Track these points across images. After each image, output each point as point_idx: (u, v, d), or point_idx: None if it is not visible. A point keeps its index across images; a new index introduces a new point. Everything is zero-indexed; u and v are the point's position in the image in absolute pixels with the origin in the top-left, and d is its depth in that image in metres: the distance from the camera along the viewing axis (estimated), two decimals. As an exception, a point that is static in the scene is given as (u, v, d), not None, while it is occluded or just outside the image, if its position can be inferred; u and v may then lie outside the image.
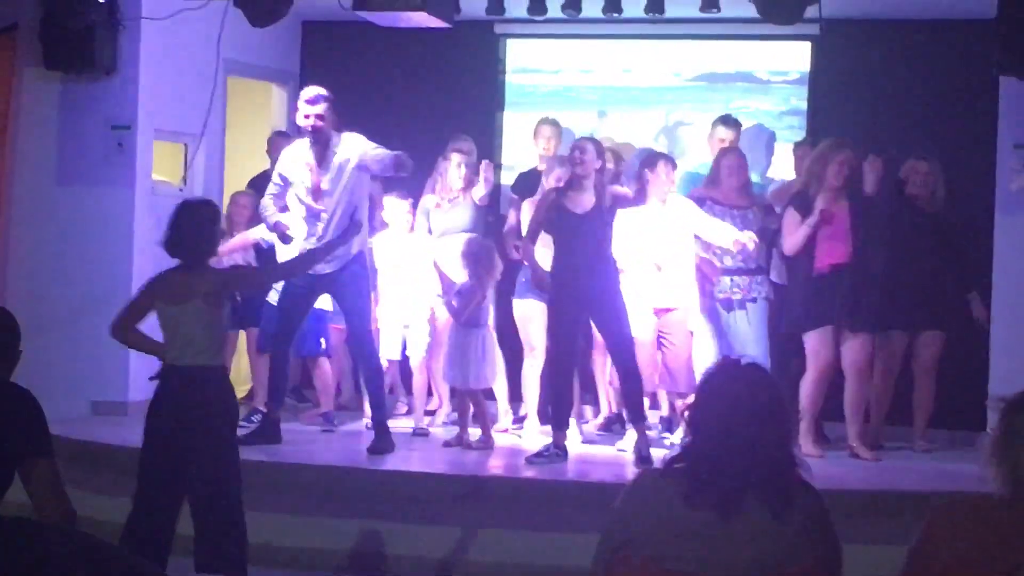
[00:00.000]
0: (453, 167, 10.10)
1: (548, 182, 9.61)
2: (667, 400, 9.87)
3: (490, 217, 10.53)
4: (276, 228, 9.24)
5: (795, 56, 11.38)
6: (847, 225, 9.20)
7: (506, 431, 10.09)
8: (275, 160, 9.98)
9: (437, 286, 10.00)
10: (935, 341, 9.63)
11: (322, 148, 9.16)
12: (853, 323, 9.21)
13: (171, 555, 6.56)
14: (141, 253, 10.38)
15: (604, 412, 10.33)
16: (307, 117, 9.10)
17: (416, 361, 10.14)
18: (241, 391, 9.75)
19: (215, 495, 6.60)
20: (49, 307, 10.30)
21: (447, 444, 9.49)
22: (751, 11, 9.55)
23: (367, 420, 9.79)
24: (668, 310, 9.47)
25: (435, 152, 10.27)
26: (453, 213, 10.14)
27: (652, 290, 9.39)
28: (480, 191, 10.07)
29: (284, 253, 9.70)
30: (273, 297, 9.79)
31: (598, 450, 9.55)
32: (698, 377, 4.08)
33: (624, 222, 9.09)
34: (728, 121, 10.27)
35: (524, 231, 9.44)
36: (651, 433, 9.14)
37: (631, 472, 8.29)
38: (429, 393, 10.42)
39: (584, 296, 8.84)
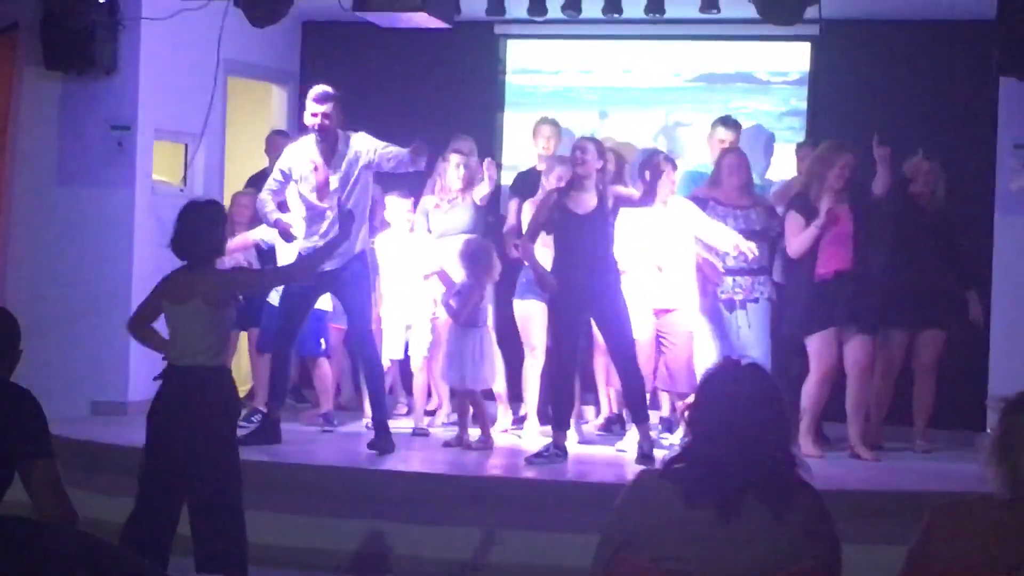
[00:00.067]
0: (452, 168, 10.10)
1: (548, 181, 9.61)
2: (667, 400, 9.87)
3: (490, 217, 10.53)
4: (278, 225, 9.25)
5: (795, 57, 11.38)
6: (851, 229, 9.21)
7: (506, 431, 10.09)
8: (274, 159, 9.99)
9: (439, 287, 9.98)
10: (935, 340, 9.63)
11: (329, 147, 9.17)
12: (855, 323, 9.21)
13: (173, 555, 6.56)
14: (141, 253, 10.39)
15: (604, 412, 10.33)
16: (315, 115, 9.11)
17: (417, 361, 10.13)
18: (241, 391, 9.73)
19: (215, 495, 6.59)
20: (49, 307, 10.30)
21: (447, 444, 9.49)
22: (751, 12, 9.55)
23: (367, 420, 9.79)
24: (668, 311, 9.48)
25: (436, 152, 10.26)
26: (452, 214, 10.14)
27: (653, 291, 9.39)
28: (484, 189, 10.06)
29: (284, 253, 9.71)
30: (274, 297, 9.79)
31: (598, 450, 9.55)
32: (699, 377, 4.08)
33: (625, 223, 9.09)
34: (728, 122, 10.27)
35: (524, 231, 9.44)
36: (651, 433, 9.13)
37: (631, 472, 8.27)
38: (429, 394, 10.42)
39: (585, 296, 8.84)
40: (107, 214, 10.45)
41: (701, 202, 9.51)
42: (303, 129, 9.56)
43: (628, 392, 9.13)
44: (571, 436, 9.38)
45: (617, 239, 9.00)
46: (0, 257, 10.61)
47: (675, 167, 9.52)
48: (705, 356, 9.18)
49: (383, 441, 9.09)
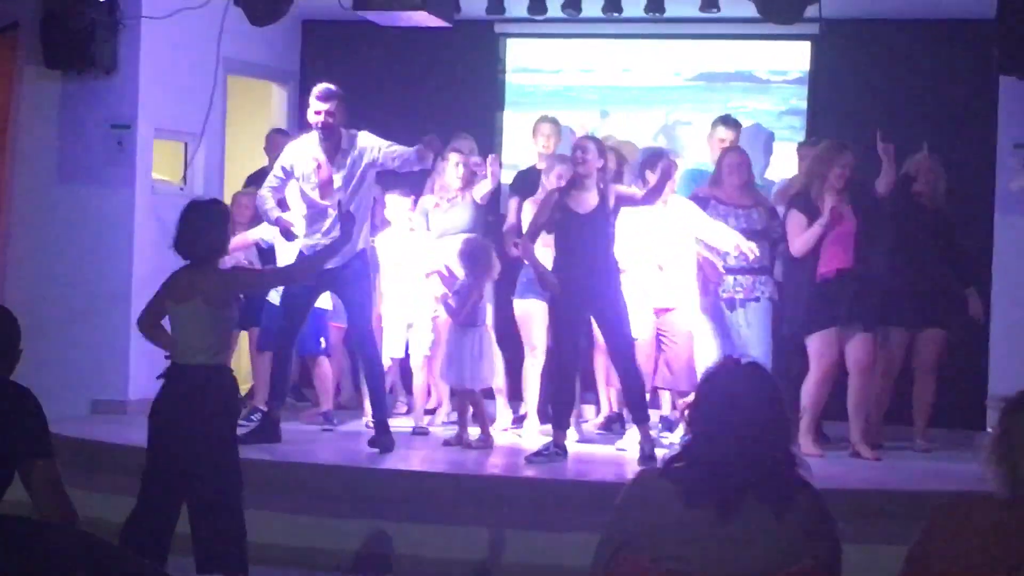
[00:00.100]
0: (451, 167, 10.09)
1: (549, 180, 9.60)
2: (668, 399, 9.87)
3: (490, 217, 10.52)
4: (278, 223, 9.24)
5: (795, 56, 11.39)
6: (853, 227, 9.21)
7: (505, 430, 10.09)
8: (274, 158, 9.98)
9: (439, 286, 9.98)
10: (936, 340, 9.64)
11: (333, 145, 9.17)
12: (856, 321, 9.20)
13: (173, 555, 6.56)
14: (141, 252, 10.39)
15: (604, 411, 10.33)
16: (318, 113, 9.11)
17: (417, 360, 10.13)
18: (241, 390, 9.74)
19: (214, 495, 6.60)
20: (49, 306, 10.29)
21: (447, 443, 9.49)
22: (751, 11, 9.55)
23: (367, 419, 9.80)
24: (668, 310, 9.48)
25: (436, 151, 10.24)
26: (452, 213, 10.13)
27: (653, 290, 9.39)
28: (486, 186, 10.05)
29: (284, 252, 9.71)
30: (274, 296, 9.80)
31: (598, 449, 9.55)
32: (699, 376, 4.08)
33: (625, 222, 9.09)
34: (728, 121, 10.27)
35: (525, 230, 9.44)
36: (651, 432, 9.12)
37: (631, 471, 8.28)
38: (428, 393, 10.42)
39: (585, 295, 8.83)
40: (107, 213, 10.45)
41: (702, 201, 9.51)
42: (303, 128, 9.56)
43: (628, 393, 9.13)
44: (571, 435, 9.38)
45: (618, 238, 9.00)
46: (0, 256, 10.60)
47: (675, 166, 9.52)
48: (706, 355, 9.18)
49: (383, 440, 9.09)
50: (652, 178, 9.25)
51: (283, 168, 9.30)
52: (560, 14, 10.61)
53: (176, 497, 6.68)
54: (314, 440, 9.64)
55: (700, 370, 8.68)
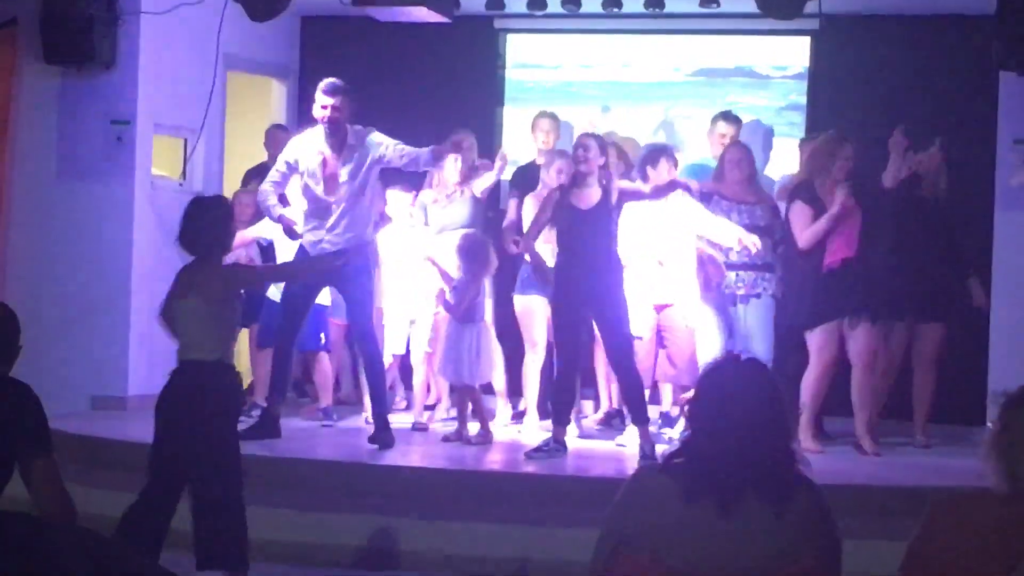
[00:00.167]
0: (450, 161, 10.06)
1: (548, 175, 9.60)
2: (668, 395, 9.87)
3: (490, 213, 10.52)
4: (281, 221, 9.22)
5: (795, 51, 11.39)
6: (858, 218, 9.21)
7: (505, 426, 10.09)
8: (274, 154, 9.98)
9: (437, 282, 9.98)
10: (936, 333, 9.65)
11: (339, 140, 9.15)
12: (859, 313, 9.20)
13: (174, 552, 6.57)
14: (140, 248, 10.39)
15: (604, 407, 10.33)
16: (324, 108, 9.08)
17: (418, 356, 10.13)
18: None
19: (215, 491, 6.61)
20: (49, 302, 10.30)
21: (446, 439, 9.49)
22: (751, 6, 9.55)
23: (366, 415, 9.80)
24: (667, 306, 9.47)
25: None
26: (451, 208, 10.12)
27: (653, 285, 9.38)
28: (488, 180, 10.02)
29: (284, 249, 9.71)
30: (274, 293, 9.79)
31: (598, 445, 9.54)
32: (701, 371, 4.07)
33: (626, 217, 9.07)
34: (729, 117, 10.27)
35: (525, 227, 9.43)
36: (651, 428, 9.12)
37: (631, 467, 8.28)
38: (428, 388, 10.42)
39: (586, 292, 8.81)
40: (106, 209, 10.44)
41: (705, 196, 9.50)
42: (302, 123, 9.54)
43: (626, 394, 9.13)
44: (571, 431, 9.37)
45: (619, 234, 8.99)
46: (-1, 252, 10.62)
47: (676, 162, 9.51)
48: (708, 350, 9.17)
49: (383, 436, 9.08)
50: (653, 174, 9.25)
51: (287, 163, 9.27)
52: (560, 9, 10.61)
53: (176, 492, 6.71)
54: (314, 436, 9.64)
55: (702, 365, 8.70)
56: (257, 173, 10.49)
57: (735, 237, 9.23)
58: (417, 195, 10.24)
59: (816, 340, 9.21)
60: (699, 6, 10.32)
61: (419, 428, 9.91)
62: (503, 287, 10.05)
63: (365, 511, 8.16)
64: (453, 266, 9.56)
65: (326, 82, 9.15)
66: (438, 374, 9.90)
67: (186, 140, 10.97)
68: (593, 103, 11.68)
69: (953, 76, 10.65)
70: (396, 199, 10.07)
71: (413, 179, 10.21)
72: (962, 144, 10.16)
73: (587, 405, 10.41)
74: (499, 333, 9.94)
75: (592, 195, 8.87)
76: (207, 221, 6.81)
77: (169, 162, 10.98)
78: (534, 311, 9.84)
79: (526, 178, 10.29)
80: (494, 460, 9.12)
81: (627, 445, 9.19)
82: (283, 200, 9.43)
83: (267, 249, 10.18)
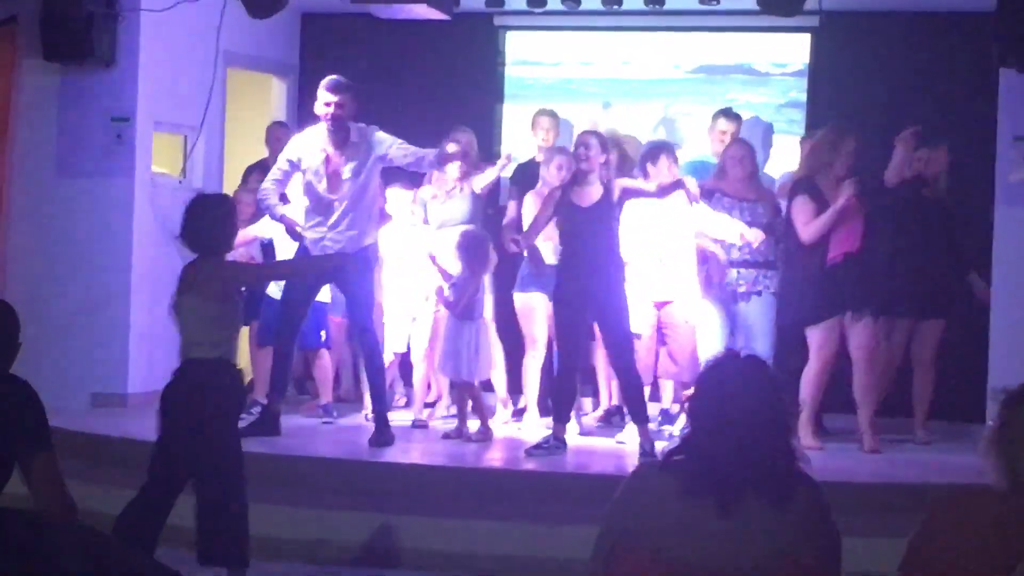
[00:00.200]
0: (450, 156, 10.05)
1: (548, 171, 9.60)
2: (669, 392, 9.88)
3: (489, 210, 10.52)
4: (284, 221, 9.22)
5: (795, 48, 11.38)
6: (859, 214, 9.20)
7: (505, 423, 10.09)
8: (275, 151, 9.98)
9: (437, 279, 9.98)
10: (936, 330, 9.66)
11: (342, 137, 9.14)
12: (861, 308, 9.19)
13: (176, 548, 6.59)
14: (140, 245, 10.38)
15: (604, 404, 10.32)
16: (328, 105, 9.07)
17: (418, 353, 10.13)
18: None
19: (215, 488, 6.63)
20: (48, 299, 10.28)
21: (446, 436, 9.49)
22: (751, 3, 9.55)
23: (367, 412, 9.80)
24: (668, 302, 9.48)
25: (434, 145, 10.24)
26: (450, 204, 10.10)
27: (653, 282, 9.38)
28: (488, 177, 10.02)
29: (284, 247, 9.71)
30: (274, 290, 9.79)
31: (598, 442, 9.54)
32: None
33: (627, 214, 9.07)
34: (729, 114, 10.28)
35: (526, 224, 9.43)
36: (651, 426, 9.12)
37: (631, 464, 8.28)
38: (428, 386, 10.41)
39: (587, 290, 8.81)
40: (106, 206, 10.43)
41: (707, 193, 9.49)
42: (302, 121, 9.54)
43: (626, 394, 9.14)
44: (571, 428, 9.37)
45: (620, 231, 9.00)
46: (-1, 249, 10.62)
47: (676, 158, 9.50)
48: (709, 347, 9.17)
49: (383, 434, 9.08)
50: (653, 171, 9.26)
51: (289, 160, 9.25)
52: (560, 6, 10.60)
53: (175, 490, 6.73)
54: (314, 433, 9.65)
55: (703, 361, 8.69)
56: (258, 169, 10.49)
57: (737, 232, 9.23)
58: (417, 191, 10.24)
59: (816, 336, 9.21)
60: (699, 3, 10.32)
61: (419, 425, 9.91)
62: (503, 285, 10.05)
63: (365, 508, 8.16)
64: (452, 263, 9.56)
65: (329, 79, 9.14)
66: (437, 371, 9.90)
67: (186, 137, 10.96)
68: (593, 100, 11.67)
69: (953, 73, 10.64)
70: (396, 197, 10.07)
71: (414, 177, 10.20)
72: (962, 141, 10.15)
73: (586, 402, 10.41)
74: (499, 330, 9.95)
75: (593, 193, 8.87)
76: (209, 219, 6.82)
77: (169, 159, 10.97)
78: (534, 308, 9.83)
79: (526, 176, 10.28)
80: (494, 457, 9.12)
81: (627, 442, 9.19)
82: (283, 199, 9.42)
83: (268, 247, 10.18)
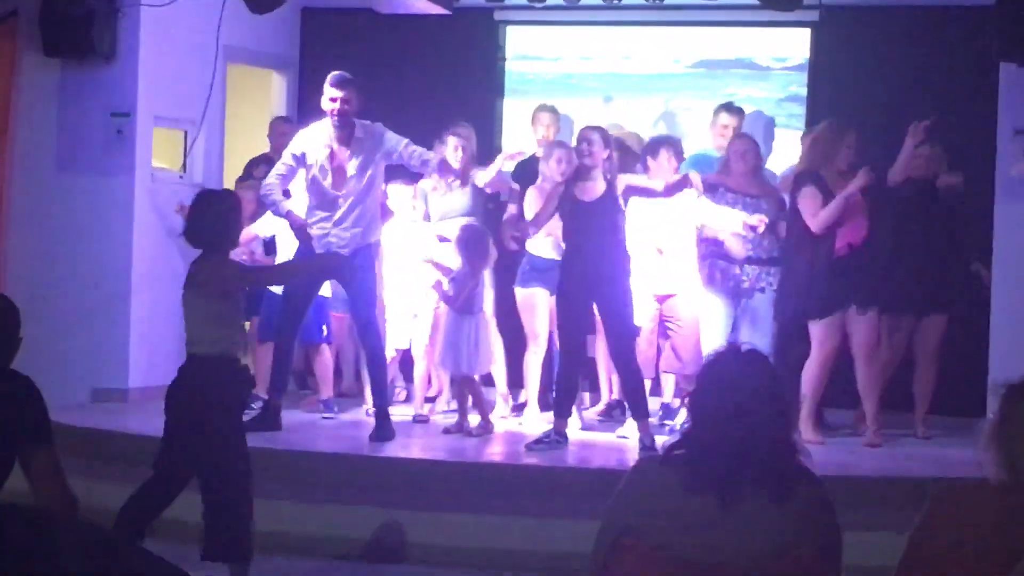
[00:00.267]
0: (450, 150, 10.04)
1: (548, 165, 9.58)
2: (670, 386, 9.87)
3: (489, 204, 10.51)
4: (289, 218, 9.21)
5: (795, 43, 11.38)
6: (863, 206, 9.21)
7: (505, 418, 10.09)
8: (278, 146, 9.99)
9: (436, 274, 9.97)
10: (938, 325, 9.66)
11: (347, 133, 9.13)
12: (866, 304, 9.19)
13: (179, 544, 6.60)
14: (141, 240, 10.39)
15: (604, 398, 10.32)
16: (333, 100, 9.06)
17: (419, 348, 10.13)
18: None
19: (218, 484, 6.64)
20: (49, 295, 10.29)
21: (447, 431, 9.49)
22: (751, -3, 9.54)
23: (367, 407, 9.80)
24: (669, 295, 9.48)
25: (434, 138, 10.25)
26: (451, 197, 10.09)
27: (654, 275, 9.38)
28: (489, 175, 9.99)
29: (285, 244, 9.71)
30: (275, 286, 9.78)
31: (599, 436, 9.55)
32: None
33: (629, 209, 9.07)
34: (731, 108, 10.27)
35: (528, 216, 9.40)
36: (652, 420, 9.12)
37: (632, 459, 8.28)
38: (429, 381, 10.42)
39: (591, 284, 8.81)
40: (107, 201, 10.44)
41: (711, 188, 9.50)
42: (303, 116, 9.53)
43: (627, 389, 9.13)
44: (572, 422, 9.37)
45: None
46: (0, 245, 10.60)
47: (676, 152, 9.48)
48: (711, 341, 9.16)
49: (384, 429, 9.08)
50: (653, 165, 9.28)
51: (294, 155, 9.24)
52: (560, 1, 10.60)
53: (177, 486, 6.76)
54: (314, 428, 9.64)
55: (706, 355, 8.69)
56: (262, 162, 10.49)
57: (739, 222, 9.23)
58: (417, 185, 10.23)
59: (819, 330, 9.20)
60: (699, -3, 10.33)
61: (420, 420, 9.91)
62: (504, 279, 10.05)
63: (366, 503, 8.17)
64: (452, 258, 9.56)
65: (334, 74, 9.13)
66: (437, 365, 9.90)
67: (186, 132, 10.95)
68: (593, 95, 11.67)
69: (953, 67, 10.64)
70: (397, 193, 10.07)
71: (414, 173, 10.20)
72: (962, 135, 10.15)
73: (585, 396, 10.40)
74: (499, 325, 9.95)
75: (596, 188, 8.87)
76: (210, 216, 6.82)
77: (169, 154, 10.97)
78: (535, 303, 9.84)
79: (527, 172, 10.27)
80: (495, 452, 9.12)
81: (628, 436, 9.19)
82: (285, 194, 9.42)
83: (269, 243, 10.19)
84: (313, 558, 7.95)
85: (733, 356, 3.87)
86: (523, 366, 10.04)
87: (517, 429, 9.71)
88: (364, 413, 9.91)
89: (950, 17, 10.69)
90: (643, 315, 9.27)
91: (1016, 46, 9.04)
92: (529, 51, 11.94)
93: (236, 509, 6.67)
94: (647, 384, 9.26)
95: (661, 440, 8.31)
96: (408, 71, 11.74)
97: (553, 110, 10.60)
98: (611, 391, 10.22)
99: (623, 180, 8.95)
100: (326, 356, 10.22)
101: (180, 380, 6.77)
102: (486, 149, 10.72)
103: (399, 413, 9.80)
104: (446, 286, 9.42)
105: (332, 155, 9.15)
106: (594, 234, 8.82)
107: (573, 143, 9.69)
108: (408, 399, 10.52)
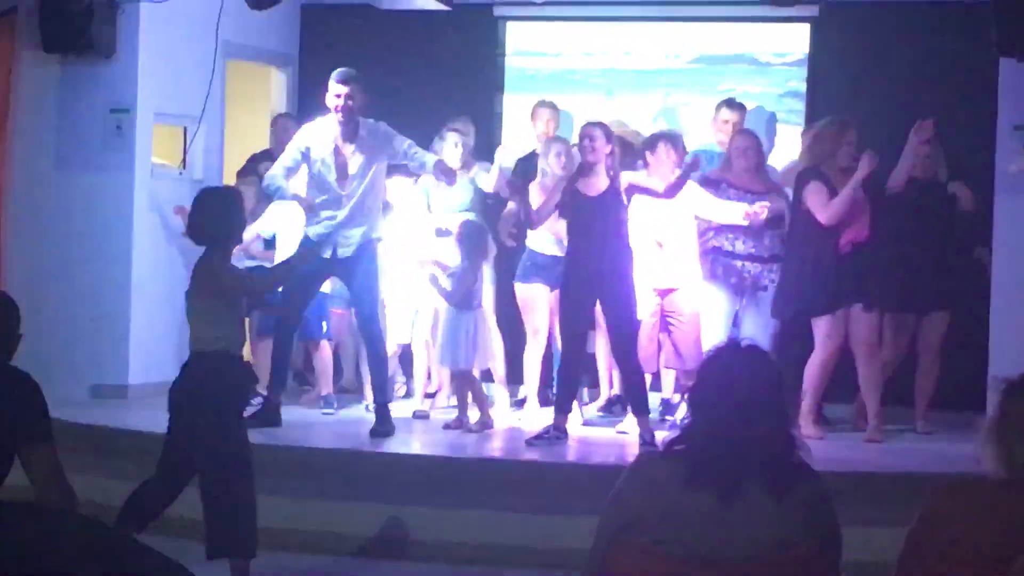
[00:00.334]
0: (449, 146, 10.04)
1: (548, 161, 9.59)
2: (671, 382, 9.87)
3: (489, 200, 10.51)
4: (297, 199, 9.20)
5: (794, 38, 11.36)
6: (866, 206, 9.21)
7: (503, 413, 10.08)
8: (280, 141, 9.99)
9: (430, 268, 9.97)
10: (941, 322, 9.67)
11: (351, 130, 9.14)
12: (867, 301, 9.19)
13: (182, 540, 6.61)
14: (140, 236, 10.38)
15: (604, 393, 10.32)
16: (338, 96, 9.06)
17: (418, 344, 10.13)
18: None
19: (218, 480, 6.65)
20: (49, 291, 10.28)
21: (447, 426, 9.50)
22: (750, -7, 9.54)
23: (367, 403, 9.80)
24: (671, 290, 9.48)
25: (434, 134, 10.25)
26: (451, 192, 10.09)
27: (654, 269, 9.38)
28: (495, 171, 9.98)
29: (285, 243, 9.70)
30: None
31: (599, 432, 9.55)
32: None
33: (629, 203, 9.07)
34: (732, 104, 10.27)
35: (533, 209, 9.39)
36: (652, 416, 9.12)
37: (632, 454, 8.28)
38: (429, 376, 10.42)
39: (595, 279, 8.81)
40: (106, 197, 10.43)
41: (714, 183, 9.50)
42: (303, 112, 9.52)
43: (627, 384, 9.14)
44: (573, 417, 9.36)
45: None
46: (-1, 241, 10.62)
47: (676, 146, 9.46)
48: (712, 336, 9.16)
49: (384, 424, 9.09)
50: (652, 160, 9.28)
51: (299, 150, 9.24)
52: (560, -3, 10.60)
53: (181, 481, 6.78)
54: (314, 424, 9.64)
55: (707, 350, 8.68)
56: (263, 159, 10.49)
57: (740, 213, 9.23)
58: (418, 179, 10.23)
59: (824, 326, 9.20)
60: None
61: (420, 416, 9.92)
62: (504, 275, 10.05)
63: (366, 499, 8.18)
64: (451, 254, 9.56)
65: (339, 70, 9.13)
66: (437, 361, 9.90)
67: (186, 128, 10.94)
68: (593, 91, 11.65)
69: (953, 62, 10.63)
70: (398, 186, 10.07)
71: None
72: (962, 130, 10.15)
73: (585, 392, 10.40)
74: (499, 320, 9.95)
75: (599, 183, 8.88)
76: (212, 212, 6.84)
77: (169, 150, 10.97)
78: (535, 299, 9.84)
79: (527, 168, 10.27)
80: (495, 448, 9.13)
81: (628, 432, 9.20)
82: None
83: (270, 242, 10.19)
84: (313, 554, 7.95)
85: (733, 351, 3.88)
86: (523, 362, 10.04)
87: (517, 425, 9.72)
88: (364, 409, 9.92)
89: (949, 12, 10.69)
90: (644, 310, 9.27)
91: (1015, 41, 9.04)
92: (529, 47, 11.93)
93: (238, 505, 6.68)
94: (647, 379, 9.27)
95: (661, 435, 8.30)
96: (408, 67, 11.73)
97: (553, 106, 10.60)
98: (611, 386, 10.22)
99: (625, 178, 8.95)
100: (326, 352, 10.22)
101: (185, 377, 6.79)
102: (486, 145, 10.72)
103: (399, 408, 9.80)
104: (443, 281, 9.42)
105: (336, 151, 9.15)
106: (598, 229, 8.83)
107: (574, 139, 9.71)
108: (408, 394, 10.53)
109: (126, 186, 10.43)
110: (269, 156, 10.35)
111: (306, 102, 10.97)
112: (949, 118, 10.09)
